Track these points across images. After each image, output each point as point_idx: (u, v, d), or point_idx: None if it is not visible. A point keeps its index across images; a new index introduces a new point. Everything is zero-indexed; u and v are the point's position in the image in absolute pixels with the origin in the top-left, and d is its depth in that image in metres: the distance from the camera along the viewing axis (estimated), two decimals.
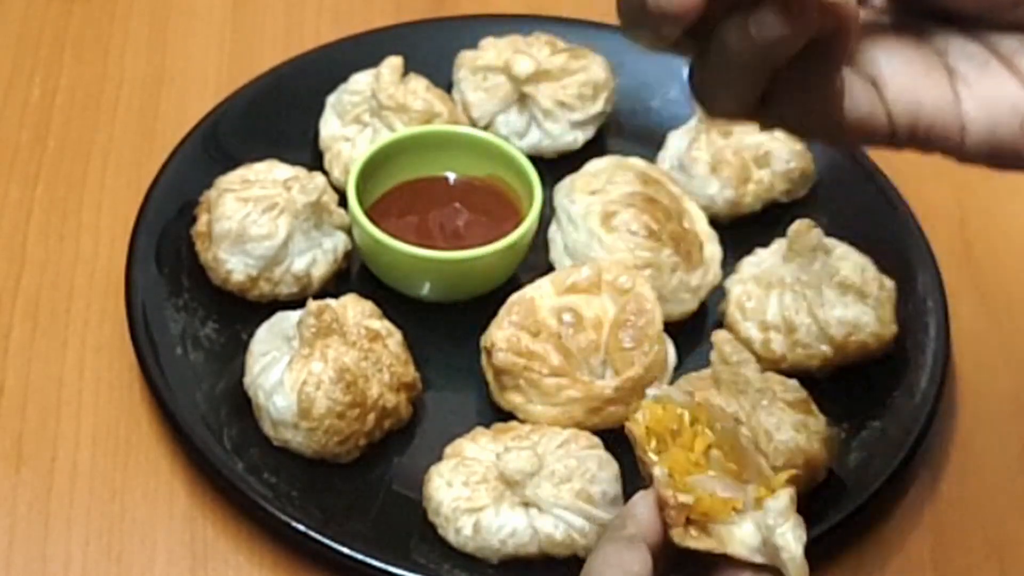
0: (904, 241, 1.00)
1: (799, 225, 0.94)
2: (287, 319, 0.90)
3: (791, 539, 0.67)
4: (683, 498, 0.68)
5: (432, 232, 0.97)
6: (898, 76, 0.67)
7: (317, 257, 0.95)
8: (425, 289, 0.96)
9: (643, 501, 0.68)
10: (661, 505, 0.68)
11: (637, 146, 1.05)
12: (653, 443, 0.71)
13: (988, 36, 0.66)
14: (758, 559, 0.68)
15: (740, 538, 0.68)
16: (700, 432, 0.71)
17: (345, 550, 0.83)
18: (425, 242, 0.95)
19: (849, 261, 0.94)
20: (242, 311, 0.94)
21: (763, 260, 0.96)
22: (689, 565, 0.68)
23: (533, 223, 0.95)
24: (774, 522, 0.68)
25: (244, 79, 1.06)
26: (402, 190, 0.99)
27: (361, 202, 0.95)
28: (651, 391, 0.74)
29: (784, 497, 0.68)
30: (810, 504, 0.79)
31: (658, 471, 0.69)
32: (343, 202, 0.96)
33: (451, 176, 1.00)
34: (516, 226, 0.95)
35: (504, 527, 0.83)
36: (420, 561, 0.84)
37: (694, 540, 0.67)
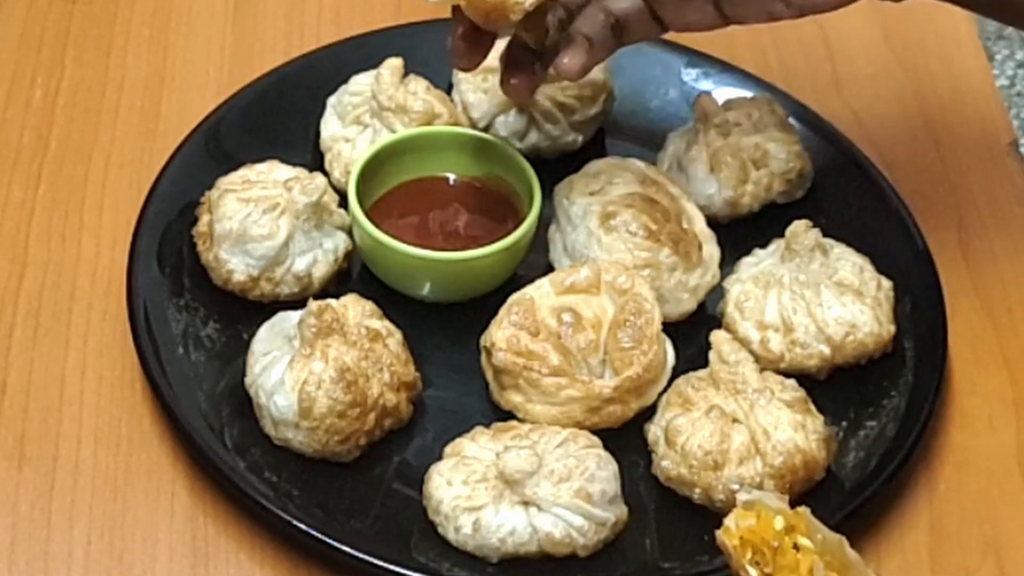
0: (902, 241, 1.00)
1: (797, 225, 0.94)
2: (288, 319, 0.90)
3: None
4: None
5: (432, 233, 0.97)
6: None
7: (318, 257, 0.95)
8: (425, 289, 0.96)
9: None
10: None
11: (636, 147, 1.05)
12: (748, 554, 0.69)
13: None
14: None
15: None
16: (803, 548, 0.69)
17: (346, 548, 0.83)
18: (425, 243, 0.95)
19: (847, 261, 0.95)
20: (243, 311, 0.94)
21: (761, 260, 0.97)
22: None
23: (533, 224, 0.95)
24: None
25: (245, 80, 1.06)
26: (402, 191, 0.99)
27: (361, 203, 0.95)
28: (743, 495, 0.72)
29: None
30: (808, 504, 0.79)
31: None
32: (344, 202, 0.96)
33: (451, 177, 1.00)
34: (516, 227, 0.95)
35: (504, 526, 0.84)
36: (420, 560, 0.84)
37: None
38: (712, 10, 0.91)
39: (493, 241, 0.94)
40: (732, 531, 0.70)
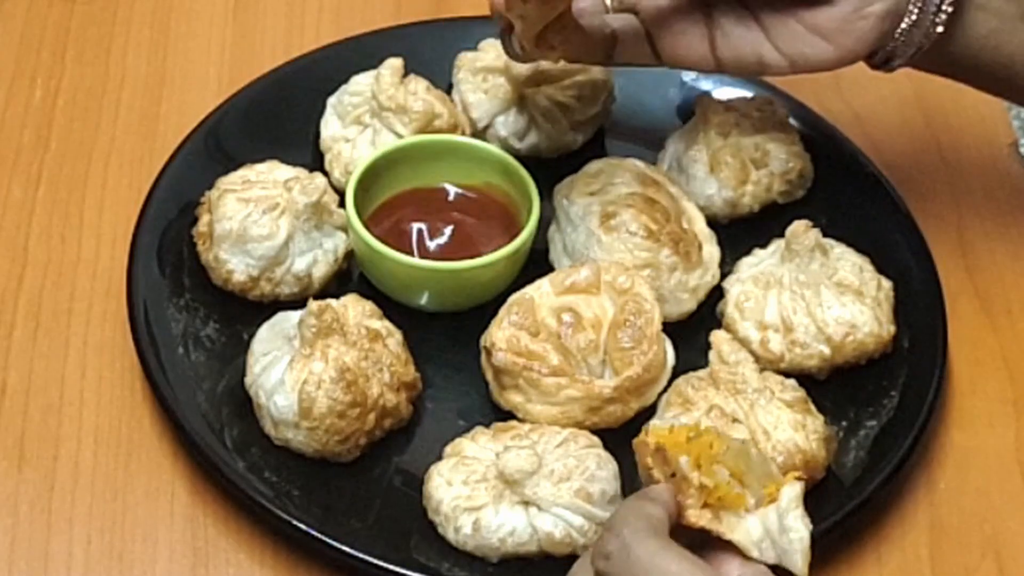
0: (902, 241, 1.00)
1: (797, 226, 0.94)
2: (288, 319, 0.90)
3: (801, 523, 0.74)
4: (705, 480, 0.73)
5: (430, 242, 0.97)
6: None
7: (318, 257, 0.95)
8: (423, 299, 0.96)
9: (663, 486, 0.73)
10: (678, 490, 0.73)
11: (636, 147, 1.05)
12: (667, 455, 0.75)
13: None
14: (754, 554, 0.73)
15: (745, 529, 0.74)
16: (715, 438, 0.75)
17: (345, 548, 0.83)
18: (423, 252, 0.95)
19: (847, 261, 0.95)
20: (243, 311, 0.94)
21: (761, 260, 0.97)
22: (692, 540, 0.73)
23: (531, 233, 0.95)
24: (787, 505, 0.74)
25: (245, 80, 1.06)
26: (400, 200, 0.99)
27: (359, 212, 0.95)
28: (654, 422, 0.82)
29: (797, 485, 0.75)
30: (808, 503, 0.79)
31: (683, 459, 0.74)
32: (343, 203, 0.96)
33: (449, 186, 1.00)
34: (514, 236, 0.95)
35: (503, 526, 0.84)
36: (420, 559, 0.84)
37: (707, 521, 0.73)
38: (706, 46, 0.92)
39: (491, 250, 0.94)
40: (646, 439, 0.76)
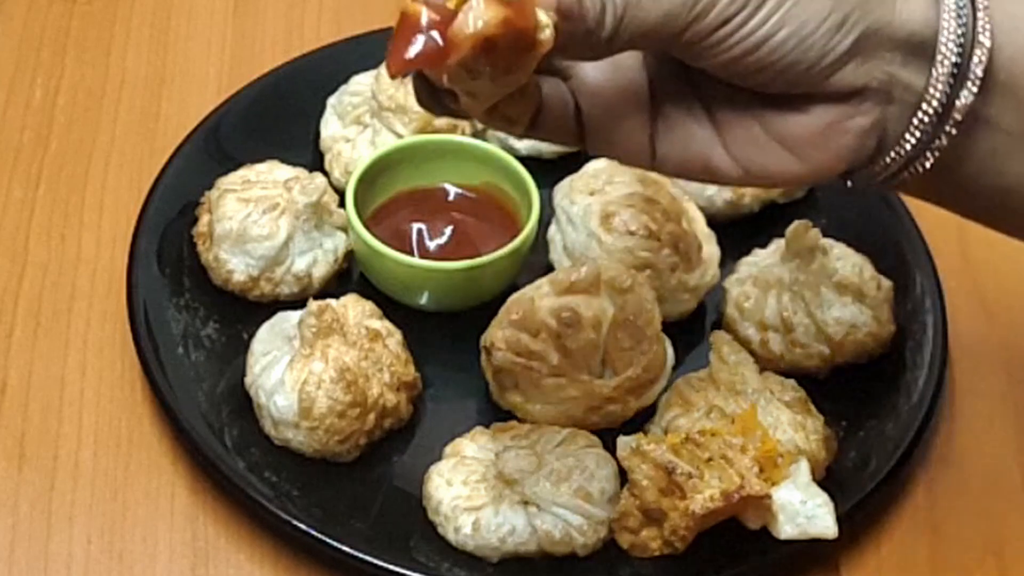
0: (902, 241, 1.00)
1: (797, 225, 0.94)
2: (288, 319, 0.90)
3: (820, 489, 0.79)
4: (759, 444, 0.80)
5: (430, 242, 0.97)
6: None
7: (318, 257, 0.95)
8: (423, 299, 0.96)
9: None
10: (692, 489, 0.79)
11: None
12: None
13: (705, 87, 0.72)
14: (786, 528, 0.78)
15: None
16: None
17: (345, 549, 0.83)
18: (423, 252, 0.95)
19: (847, 261, 0.95)
20: (243, 311, 0.94)
21: (761, 260, 0.97)
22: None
23: (531, 233, 0.95)
24: (803, 478, 0.79)
25: (245, 80, 1.07)
26: (400, 200, 0.99)
27: (359, 212, 0.95)
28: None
29: (803, 460, 0.80)
30: None
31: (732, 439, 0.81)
32: (343, 203, 0.96)
33: (449, 186, 1.00)
34: (514, 236, 0.95)
35: (503, 525, 0.84)
36: (420, 560, 0.84)
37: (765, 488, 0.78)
38: (644, 136, 0.72)
39: (491, 250, 0.94)
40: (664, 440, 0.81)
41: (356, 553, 0.83)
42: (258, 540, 0.86)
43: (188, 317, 0.94)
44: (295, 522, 0.84)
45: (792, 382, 0.90)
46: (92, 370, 0.94)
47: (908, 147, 0.70)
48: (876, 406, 0.93)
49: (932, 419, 0.91)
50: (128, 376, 0.93)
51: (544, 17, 0.62)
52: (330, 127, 1.04)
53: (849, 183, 0.74)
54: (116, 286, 0.96)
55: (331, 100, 1.04)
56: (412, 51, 0.62)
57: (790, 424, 0.87)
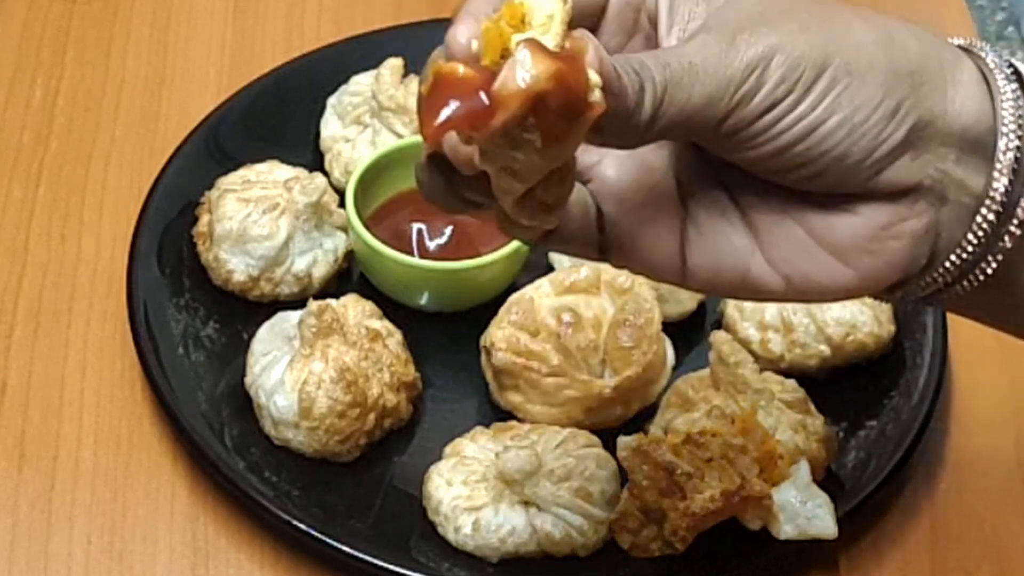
0: None
1: None
2: (288, 319, 0.90)
3: (819, 490, 0.80)
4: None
5: (430, 242, 0.97)
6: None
7: (318, 257, 0.95)
8: (423, 299, 0.96)
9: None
10: (693, 489, 0.80)
11: None
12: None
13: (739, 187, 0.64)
14: (786, 528, 0.79)
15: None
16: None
17: (345, 549, 0.83)
18: (423, 252, 0.95)
19: None
20: (243, 311, 0.94)
21: None
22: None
23: None
24: (803, 478, 0.79)
25: (245, 80, 1.07)
26: (400, 200, 0.98)
27: (359, 212, 0.95)
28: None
29: (803, 461, 0.81)
30: None
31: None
32: (343, 203, 0.96)
33: None
34: None
35: (503, 526, 0.84)
36: (420, 560, 0.84)
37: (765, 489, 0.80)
38: (674, 244, 0.64)
39: (491, 250, 0.94)
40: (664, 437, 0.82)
41: (356, 553, 0.83)
42: (258, 540, 0.86)
43: (188, 317, 0.94)
44: (295, 522, 0.84)
45: (792, 382, 0.90)
46: (92, 370, 0.94)
47: (967, 253, 0.62)
48: (876, 406, 0.93)
49: (932, 419, 0.91)
50: (128, 376, 0.93)
51: (595, 77, 0.55)
52: (330, 127, 1.04)
53: (899, 295, 0.65)
54: (116, 286, 0.96)
55: (331, 100, 1.04)
56: (450, 111, 0.54)
57: (790, 425, 0.87)
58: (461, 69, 0.55)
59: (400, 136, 1.00)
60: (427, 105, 0.55)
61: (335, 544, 0.83)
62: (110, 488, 0.88)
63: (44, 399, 0.92)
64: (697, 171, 0.64)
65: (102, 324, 0.96)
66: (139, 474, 0.89)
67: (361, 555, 0.83)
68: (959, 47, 0.63)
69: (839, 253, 0.62)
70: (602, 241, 0.64)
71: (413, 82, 1.02)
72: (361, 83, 1.03)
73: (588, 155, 0.64)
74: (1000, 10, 1.22)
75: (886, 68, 0.60)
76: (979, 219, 0.62)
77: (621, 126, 0.58)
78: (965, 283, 0.63)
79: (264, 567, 0.86)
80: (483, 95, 0.54)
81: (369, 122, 1.02)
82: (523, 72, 0.53)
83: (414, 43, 1.07)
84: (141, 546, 0.86)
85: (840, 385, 0.93)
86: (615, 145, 0.60)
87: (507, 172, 0.56)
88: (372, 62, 1.03)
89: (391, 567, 0.82)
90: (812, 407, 0.89)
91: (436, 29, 1.09)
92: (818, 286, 0.63)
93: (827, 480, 0.88)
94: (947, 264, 0.63)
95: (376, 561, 0.83)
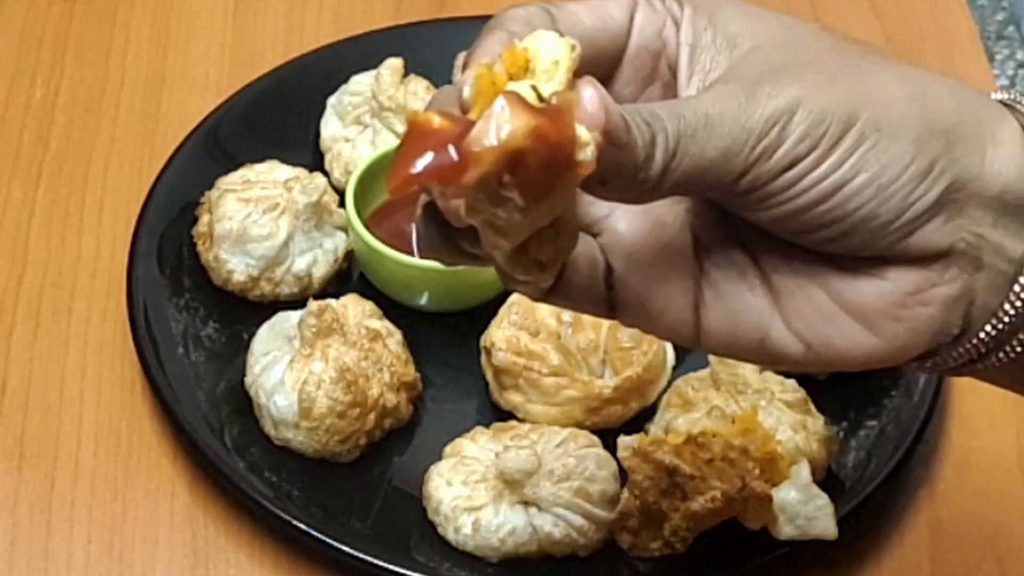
0: None
1: None
2: (288, 319, 0.90)
3: (820, 491, 0.80)
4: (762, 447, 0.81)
5: None
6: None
7: (318, 257, 0.95)
8: (423, 299, 0.96)
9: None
10: (694, 490, 0.81)
11: None
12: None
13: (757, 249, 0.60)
14: (786, 529, 0.80)
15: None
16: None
17: (345, 549, 0.83)
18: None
19: None
20: (243, 311, 0.94)
21: None
22: None
23: None
24: (804, 479, 0.80)
25: (245, 80, 1.06)
26: (400, 200, 0.98)
27: (359, 212, 0.95)
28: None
29: (804, 462, 0.81)
30: None
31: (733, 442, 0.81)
32: (343, 203, 0.96)
33: None
34: None
35: (503, 526, 0.84)
36: (420, 560, 0.84)
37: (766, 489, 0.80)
38: (687, 306, 0.59)
39: None
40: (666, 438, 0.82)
41: (356, 553, 0.83)
42: (258, 540, 0.86)
43: (188, 317, 0.94)
44: (295, 522, 0.84)
45: (792, 382, 0.90)
46: (92, 370, 0.94)
47: (1003, 323, 0.58)
48: (876, 406, 0.93)
49: (932, 419, 0.91)
50: (128, 376, 0.93)
51: (585, 134, 0.50)
52: (330, 127, 1.04)
53: (929, 365, 0.61)
54: (116, 286, 0.96)
55: (331, 100, 1.04)
56: (419, 165, 0.50)
57: (790, 425, 0.87)
58: (436, 120, 0.51)
59: (400, 136, 1.00)
60: (397, 155, 0.51)
61: (335, 544, 0.83)
62: (110, 488, 0.88)
63: (44, 399, 0.92)
64: (715, 228, 0.60)
65: (102, 324, 0.96)
66: (139, 474, 0.89)
67: (361, 555, 0.83)
68: (1002, 102, 0.59)
69: (864, 319, 0.58)
70: (611, 299, 0.59)
71: (413, 82, 1.02)
72: (361, 83, 1.03)
73: (598, 207, 0.60)
74: (1000, 10, 1.22)
75: (918, 125, 0.56)
76: (1017, 287, 0.57)
77: (629, 181, 0.54)
78: (1001, 354, 0.59)
79: (264, 567, 0.86)
80: (453, 150, 0.50)
81: (369, 122, 1.02)
82: (497, 128, 0.49)
83: (414, 43, 1.07)
84: (141, 546, 0.86)
85: (840, 385, 0.93)
86: (623, 200, 0.56)
87: (491, 228, 0.53)
88: (372, 62, 1.03)
89: (391, 567, 0.82)
90: (812, 407, 0.89)
91: (436, 29, 1.10)
92: (841, 353, 0.59)
93: (827, 480, 0.88)
94: (981, 334, 0.58)
95: (376, 561, 0.83)
